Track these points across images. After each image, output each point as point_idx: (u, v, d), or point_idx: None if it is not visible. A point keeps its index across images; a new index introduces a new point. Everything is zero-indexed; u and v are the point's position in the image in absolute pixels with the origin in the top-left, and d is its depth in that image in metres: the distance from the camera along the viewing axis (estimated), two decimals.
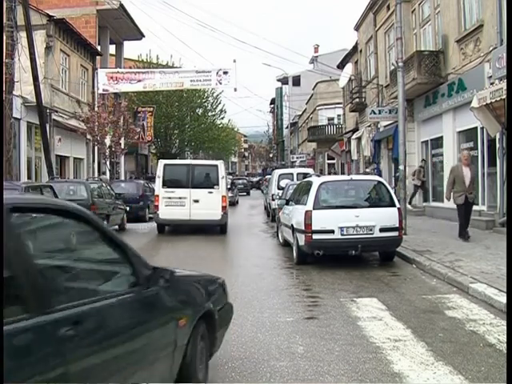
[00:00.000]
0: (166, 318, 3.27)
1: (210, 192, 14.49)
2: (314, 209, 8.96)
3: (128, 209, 16.95)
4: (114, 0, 26.08)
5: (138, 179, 26.68)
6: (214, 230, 15.10)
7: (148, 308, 3.14)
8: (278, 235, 12.84)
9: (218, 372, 4.23)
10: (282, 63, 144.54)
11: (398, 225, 9.05)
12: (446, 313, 5.95)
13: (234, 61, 24.06)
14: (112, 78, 24.44)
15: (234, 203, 27.72)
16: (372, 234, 8.82)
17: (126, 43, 33.57)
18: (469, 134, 14.60)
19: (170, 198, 14.51)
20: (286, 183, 16.70)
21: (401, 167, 12.97)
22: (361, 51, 26.75)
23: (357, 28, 26.92)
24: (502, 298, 5.93)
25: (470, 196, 10.74)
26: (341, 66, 29.84)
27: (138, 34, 32.18)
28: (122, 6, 27.01)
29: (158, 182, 14.69)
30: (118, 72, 25.48)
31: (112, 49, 32.13)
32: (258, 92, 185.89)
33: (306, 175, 16.31)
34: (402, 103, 13.29)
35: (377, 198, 9.71)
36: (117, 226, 15.35)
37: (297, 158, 49.88)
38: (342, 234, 8.81)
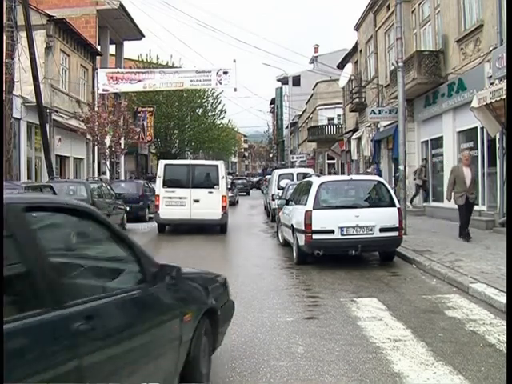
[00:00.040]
0: (171, 313, 3.36)
1: (210, 192, 14.55)
2: (314, 209, 8.96)
3: (128, 209, 16.95)
4: (114, 0, 26.08)
5: (138, 179, 26.70)
6: (214, 229, 15.13)
7: (155, 304, 3.23)
8: (278, 235, 12.84)
9: (218, 372, 4.22)
10: (281, 63, 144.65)
11: (397, 225, 9.05)
12: (446, 313, 5.95)
13: (234, 61, 24.09)
14: (112, 78, 24.45)
15: (234, 203, 27.80)
16: (372, 234, 8.82)
17: (126, 43, 33.58)
18: (469, 134, 14.60)
19: (170, 197, 14.58)
20: (286, 183, 16.69)
21: (401, 167, 12.98)
22: (361, 51, 26.75)
23: (357, 28, 26.92)
24: (502, 298, 5.93)
25: (470, 196, 10.72)
26: (341, 66, 29.84)
27: (138, 34, 32.19)
28: (122, 5, 27.01)
29: (159, 181, 14.76)
30: (118, 72, 25.49)
31: (112, 49, 32.13)
32: (258, 92, 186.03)
33: (306, 175, 16.30)
34: (401, 103, 13.30)
35: (377, 198, 9.71)
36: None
37: (297, 157, 49.88)
38: (342, 234, 8.81)
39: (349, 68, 27.05)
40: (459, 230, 11.01)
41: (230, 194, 21.28)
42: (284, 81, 61.33)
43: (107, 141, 23.75)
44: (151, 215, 17.92)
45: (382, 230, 8.85)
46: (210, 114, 43.35)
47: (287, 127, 62.42)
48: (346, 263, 9.11)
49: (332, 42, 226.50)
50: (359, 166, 27.96)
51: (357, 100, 26.72)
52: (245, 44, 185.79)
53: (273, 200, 17.87)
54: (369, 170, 21.40)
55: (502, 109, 10.62)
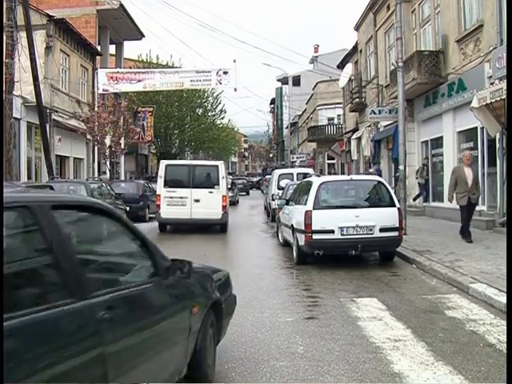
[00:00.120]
0: (181, 305, 3.57)
1: (211, 192, 14.69)
2: (314, 209, 8.96)
3: (128, 209, 16.93)
4: (114, 0, 26.08)
5: (138, 179, 26.70)
6: (215, 229, 15.21)
7: (167, 296, 3.46)
8: (278, 235, 12.84)
9: (218, 372, 4.22)
10: (282, 63, 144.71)
11: (398, 225, 9.04)
12: (446, 313, 5.95)
13: (234, 61, 24.09)
14: (112, 78, 24.45)
15: (234, 203, 27.96)
16: (372, 234, 8.82)
17: (126, 43, 33.58)
18: (469, 134, 14.60)
19: (171, 197, 14.74)
20: (286, 183, 16.70)
21: (401, 167, 12.98)
22: (361, 51, 26.75)
23: (357, 28, 26.92)
24: (502, 298, 5.94)
25: (472, 197, 10.66)
26: (341, 66, 29.84)
27: (138, 34, 32.19)
28: (122, 5, 27.01)
29: (160, 181, 14.96)
30: (118, 72, 25.48)
31: (112, 49, 32.13)
32: (258, 92, 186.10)
33: (306, 175, 16.30)
34: (401, 103, 13.30)
35: (377, 198, 9.70)
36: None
37: (297, 157, 49.89)
38: (342, 234, 8.81)
39: (349, 68, 27.05)
40: (461, 230, 10.93)
41: (230, 194, 21.39)
42: (284, 81, 61.34)
43: (107, 141, 23.75)
44: (151, 215, 17.92)
45: (382, 229, 8.85)
46: (209, 114, 43.34)
47: (287, 127, 62.42)
48: (345, 263, 9.11)
49: (332, 42, 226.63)
50: (359, 165, 27.96)
51: (357, 100, 26.72)
52: (245, 44, 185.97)
53: (273, 200, 17.88)
54: (371, 170, 21.38)
55: (502, 109, 10.62)
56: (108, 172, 25.38)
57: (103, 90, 24.87)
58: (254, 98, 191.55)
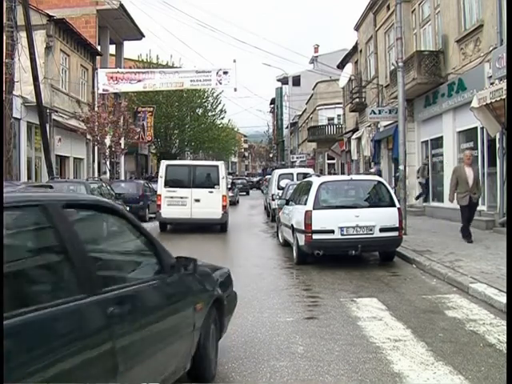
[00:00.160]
0: (186, 301, 3.67)
1: (211, 192, 14.81)
2: (314, 209, 8.96)
3: (128, 209, 16.90)
4: (114, 0, 26.07)
5: (138, 179, 26.70)
6: (215, 228, 15.29)
7: (172, 293, 3.55)
8: (278, 235, 12.84)
9: (218, 372, 4.22)
10: (282, 63, 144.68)
11: (397, 225, 9.04)
12: (445, 313, 5.95)
13: (234, 61, 24.09)
14: (112, 78, 24.44)
15: (234, 202, 28.07)
16: (372, 234, 8.82)
17: (126, 43, 33.57)
18: (469, 134, 14.60)
19: (172, 197, 14.87)
20: (286, 183, 16.71)
21: (401, 167, 12.98)
22: (361, 51, 26.75)
23: (357, 28, 26.92)
24: (502, 298, 5.93)
25: (474, 196, 10.62)
26: (341, 66, 29.84)
27: (138, 34, 32.18)
28: (122, 5, 27.00)
29: (161, 181, 15.10)
30: (118, 72, 25.48)
31: (112, 49, 32.12)
32: (258, 92, 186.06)
33: (306, 175, 16.31)
34: (401, 103, 13.30)
35: (377, 198, 9.70)
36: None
37: (297, 157, 49.89)
38: (342, 234, 8.81)
39: (349, 68, 27.05)
40: (462, 231, 10.87)
41: (230, 194, 21.52)
42: (284, 81, 61.33)
43: (107, 141, 23.75)
44: (151, 215, 17.92)
45: (382, 229, 8.85)
46: (210, 114, 43.33)
47: (287, 127, 62.42)
48: (345, 263, 9.11)
49: (332, 42, 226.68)
50: (359, 166, 27.96)
51: (357, 100, 26.72)
52: (245, 44, 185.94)
53: (273, 200, 17.89)
54: (372, 170, 21.33)
55: (502, 109, 10.62)
56: (108, 172, 25.38)
57: (103, 90, 24.87)
58: (254, 97, 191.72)
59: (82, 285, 2.63)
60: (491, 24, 12.54)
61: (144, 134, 31.97)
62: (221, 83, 24.41)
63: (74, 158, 24.26)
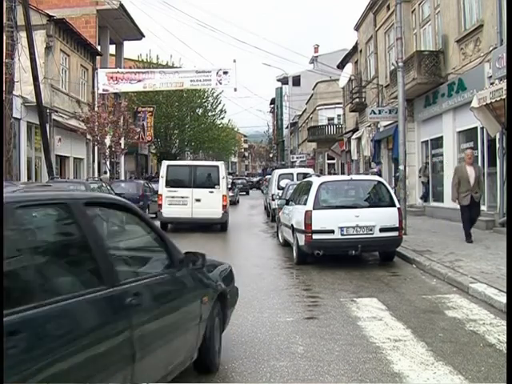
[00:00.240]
0: (194, 294, 3.87)
1: (211, 192, 14.98)
2: (314, 209, 8.96)
3: None
4: (114, 0, 26.07)
5: (138, 179, 26.70)
6: (215, 228, 15.41)
7: (181, 286, 3.75)
8: (278, 235, 12.84)
9: (218, 372, 4.23)
10: (282, 63, 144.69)
11: (397, 225, 9.04)
12: (446, 313, 5.95)
13: (234, 61, 24.09)
14: (112, 78, 24.44)
15: (234, 202, 28.22)
16: (372, 234, 8.81)
17: (126, 43, 33.58)
18: (469, 134, 14.60)
19: (172, 197, 15.05)
20: (286, 183, 16.71)
21: (401, 167, 12.98)
22: (361, 51, 26.75)
23: (357, 28, 26.92)
24: (502, 298, 5.93)
25: (475, 196, 10.58)
26: (341, 66, 29.84)
27: (138, 34, 32.19)
28: (122, 5, 27.01)
29: (162, 181, 15.29)
30: (118, 72, 25.48)
31: (112, 49, 32.13)
32: (258, 92, 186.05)
33: (306, 175, 16.33)
34: (401, 103, 13.29)
35: (377, 198, 9.70)
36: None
37: (297, 157, 49.89)
38: (342, 234, 8.81)
39: (349, 68, 27.05)
40: (465, 233, 10.75)
41: (230, 194, 21.68)
42: (284, 81, 61.32)
43: (107, 141, 23.75)
44: (152, 215, 17.92)
45: (382, 229, 8.85)
46: (210, 114, 43.31)
47: (287, 127, 62.41)
48: (345, 263, 9.11)
49: (332, 42, 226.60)
50: (359, 165, 27.96)
51: (357, 100, 26.72)
52: (245, 44, 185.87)
53: (273, 200, 17.89)
54: (374, 170, 21.27)
55: (502, 109, 10.61)
56: (108, 172, 25.39)
57: (103, 90, 24.87)
58: (254, 97, 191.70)
59: (103, 277, 2.81)
60: (491, 24, 12.54)
61: (144, 134, 31.97)
62: (221, 83, 24.41)
63: (74, 158, 24.26)
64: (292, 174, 19.17)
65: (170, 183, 15.15)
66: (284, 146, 67.19)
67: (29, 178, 19.18)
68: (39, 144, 18.69)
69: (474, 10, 14.20)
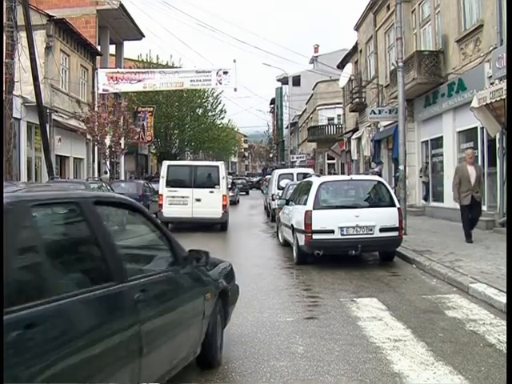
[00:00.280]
0: (197, 291, 3.98)
1: (211, 191, 15.08)
2: (314, 209, 8.96)
3: None
4: (114, 0, 26.07)
5: (138, 179, 26.70)
6: (216, 227, 15.48)
7: (184, 283, 3.87)
8: (278, 235, 12.84)
9: (218, 372, 4.23)
10: (282, 63, 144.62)
11: (398, 225, 9.04)
12: (446, 313, 5.95)
13: (234, 61, 24.08)
14: (112, 78, 24.43)
15: (234, 202, 28.30)
16: (372, 234, 8.81)
17: (126, 43, 33.57)
18: (469, 134, 14.60)
19: (173, 196, 15.17)
20: (286, 183, 16.71)
21: (401, 167, 12.98)
22: (361, 51, 26.75)
23: (357, 28, 26.92)
24: (502, 298, 5.93)
25: (476, 195, 10.57)
26: (341, 66, 29.84)
27: (138, 34, 32.18)
28: (122, 5, 27.00)
29: (162, 181, 15.40)
30: (118, 72, 25.47)
31: (112, 49, 32.12)
32: (258, 92, 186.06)
33: (306, 175, 16.33)
34: (401, 103, 13.29)
35: (377, 198, 9.70)
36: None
37: (297, 157, 49.88)
38: (342, 234, 8.81)
39: (349, 68, 27.04)
40: (465, 233, 10.72)
41: (230, 194, 21.81)
42: (284, 81, 61.31)
43: (107, 141, 23.75)
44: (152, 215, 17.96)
45: (382, 229, 8.85)
46: (210, 114, 43.30)
47: (287, 127, 62.41)
48: (345, 263, 9.11)
49: (332, 42, 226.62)
50: (359, 165, 27.96)
51: (357, 100, 26.71)
52: (245, 44, 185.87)
53: (273, 200, 17.88)
54: (376, 170, 21.24)
55: (502, 109, 10.61)
56: (108, 172, 25.39)
57: (103, 90, 24.86)
58: (254, 97, 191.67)
59: (112, 273, 2.91)
60: (491, 24, 12.54)
61: (144, 134, 31.97)
62: (221, 83, 24.41)
63: (74, 158, 24.26)
64: (292, 173, 19.17)
65: (170, 183, 15.25)
66: (284, 145, 67.18)
67: (29, 177, 19.17)
68: (39, 144, 18.69)
69: (474, 9, 14.20)
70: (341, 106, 34.25)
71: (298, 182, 13.81)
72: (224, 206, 15.06)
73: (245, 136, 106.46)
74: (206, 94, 41.28)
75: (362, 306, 6.29)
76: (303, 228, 8.97)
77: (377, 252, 9.81)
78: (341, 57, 31.56)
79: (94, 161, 25.56)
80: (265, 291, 7.29)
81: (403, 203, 12.15)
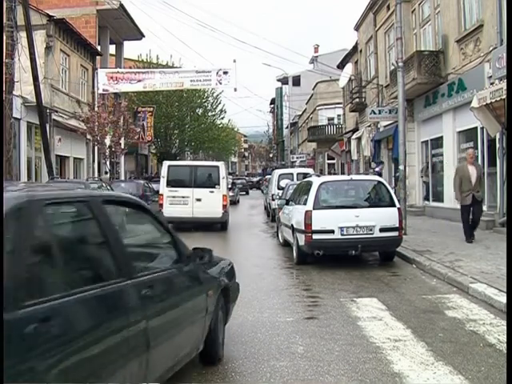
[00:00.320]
0: (200, 288, 4.06)
1: (212, 191, 15.18)
2: (314, 209, 8.96)
3: None
4: (114, 0, 26.07)
5: (138, 179, 26.70)
6: (216, 227, 15.55)
7: (188, 280, 3.95)
8: (278, 235, 12.84)
9: (218, 372, 4.23)
10: (282, 63, 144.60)
11: (397, 225, 9.04)
12: (446, 313, 5.95)
13: (234, 61, 24.09)
14: (112, 78, 24.44)
15: (235, 202, 28.35)
16: (372, 234, 8.81)
17: (126, 43, 33.58)
18: (469, 134, 14.60)
19: (173, 196, 15.28)
20: (286, 183, 16.71)
21: (401, 167, 12.98)
22: (361, 51, 26.75)
23: (357, 28, 26.92)
24: (502, 298, 5.93)
25: (477, 195, 10.56)
26: (341, 66, 29.83)
27: (138, 34, 32.18)
28: (122, 5, 27.00)
29: (163, 181, 15.50)
30: (118, 72, 25.48)
31: (112, 49, 32.13)
32: (258, 92, 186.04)
33: (306, 175, 16.33)
34: (401, 103, 13.29)
35: (377, 198, 9.70)
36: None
37: (297, 157, 49.87)
38: (342, 234, 8.81)
39: (349, 68, 27.04)
40: (469, 232, 10.67)
41: (230, 194, 21.93)
42: (284, 81, 61.30)
43: (107, 141, 23.75)
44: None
45: (382, 229, 8.85)
46: (210, 114, 43.29)
47: (287, 127, 62.40)
48: (346, 263, 9.11)
49: (332, 42, 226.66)
50: (359, 165, 27.95)
51: (357, 100, 26.71)
52: (245, 44, 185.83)
53: (273, 200, 17.88)
54: (377, 169, 21.22)
55: (502, 109, 10.61)
56: (108, 172, 25.39)
57: (103, 90, 24.87)
58: (254, 97, 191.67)
59: (121, 269, 3.02)
60: (491, 24, 12.54)
61: (144, 134, 31.97)
62: (221, 83, 24.41)
63: (74, 158, 24.26)
64: (292, 173, 19.17)
65: (171, 183, 15.34)
66: (284, 145, 67.18)
67: (29, 177, 19.17)
68: (39, 144, 18.69)
69: (474, 9, 14.20)
70: (341, 106, 34.24)
71: (298, 181, 13.81)
72: (224, 206, 15.13)
73: (245, 136, 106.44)
74: (205, 94, 41.27)
75: (362, 306, 6.29)
76: (303, 228, 8.97)
77: (377, 252, 9.81)
78: (341, 57, 31.56)
79: (93, 161, 25.57)
80: (265, 291, 7.29)
81: (403, 203, 12.15)
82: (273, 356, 4.60)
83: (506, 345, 4.39)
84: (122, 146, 25.71)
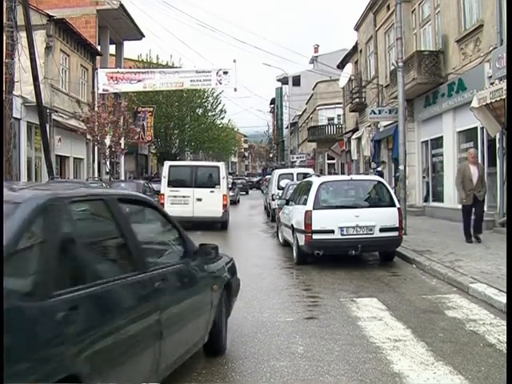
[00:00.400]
0: (206, 282, 4.25)
1: (212, 191, 15.32)
2: (314, 209, 8.96)
3: None
4: (114, 0, 26.07)
5: (138, 179, 26.70)
6: (216, 226, 15.67)
7: (195, 274, 4.13)
8: (278, 235, 12.84)
9: (218, 372, 4.23)
10: (282, 63, 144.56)
11: (397, 225, 9.04)
12: (446, 313, 5.95)
13: (234, 61, 24.10)
14: (112, 78, 24.44)
15: (235, 202, 28.43)
16: (372, 234, 8.81)
17: (126, 43, 33.58)
18: (469, 134, 14.60)
19: (174, 196, 15.42)
20: (286, 183, 16.71)
21: (401, 167, 12.98)
22: (361, 51, 26.75)
23: (357, 28, 26.91)
24: (502, 298, 5.93)
25: (478, 194, 10.54)
26: (341, 66, 29.84)
27: (138, 34, 32.19)
28: (122, 5, 27.01)
29: (164, 181, 15.65)
30: (118, 72, 25.49)
31: (112, 49, 32.13)
32: (258, 92, 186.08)
33: (306, 175, 16.33)
34: (401, 103, 13.29)
35: (377, 198, 9.70)
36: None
37: (297, 157, 49.89)
38: (342, 234, 8.81)
39: (349, 68, 27.04)
40: (473, 228, 10.65)
41: (231, 194, 22.11)
42: (284, 81, 61.31)
43: (107, 141, 23.75)
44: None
45: (382, 229, 8.85)
46: (210, 114, 43.29)
47: (287, 127, 62.41)
48: (345, 263, 9.11)
49: (332, 42, 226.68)
50: (359, 165, 27.95)
51: (357, 100, 26.71)
52: (245, 44, 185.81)
53: (273, 200, 17.88)
54: (379, 169, 21.22)
55: (502, 109, 10.61)
56: (108, 172, 25.39)
57: (103, 90, 24.87)
58: (254, 97, 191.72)
59: (136, 263, 3.22)
60: (491, 24, 12.54)
61: (144, 134, 31.97)
62: (221, 83, 24.42)
63: (74, 158, 24.26)
64: (292, 173, 19.18)
65: (172, 183, 15.48)
66: (284, 145, 67.18)
67: (29, 177, 19.18)
68: (39, 144, 18.68)
69: (474, 9, 14.20)
70: (341, 106, 34.24)
71: (298, 181, 13.80)
72: (224, 206, 15.26)
73: (245, 136, 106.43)
74: (205, 94, 41.27)
75: (362, 306, 6.29)
76: (303, 228, 8.97)
77: (377, 252, 9.81)
78: (341, 57, 31.56)
79: (93, 161, 25.57)
80: (265, 291, 7.29)
81: (403, 203, 12.15)
82: (273, 356, 4.60)
83: (506, 345, 4.39)
84: (122, 146, 25.69)
